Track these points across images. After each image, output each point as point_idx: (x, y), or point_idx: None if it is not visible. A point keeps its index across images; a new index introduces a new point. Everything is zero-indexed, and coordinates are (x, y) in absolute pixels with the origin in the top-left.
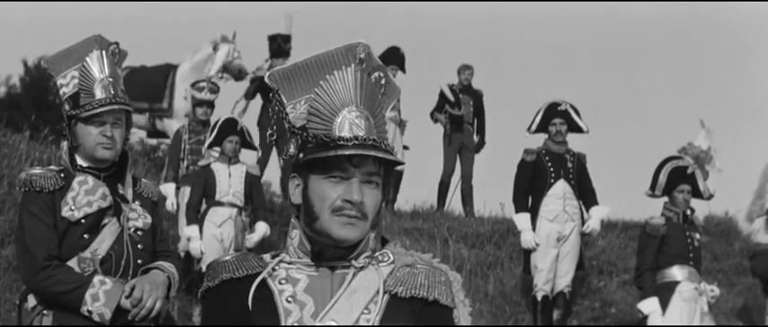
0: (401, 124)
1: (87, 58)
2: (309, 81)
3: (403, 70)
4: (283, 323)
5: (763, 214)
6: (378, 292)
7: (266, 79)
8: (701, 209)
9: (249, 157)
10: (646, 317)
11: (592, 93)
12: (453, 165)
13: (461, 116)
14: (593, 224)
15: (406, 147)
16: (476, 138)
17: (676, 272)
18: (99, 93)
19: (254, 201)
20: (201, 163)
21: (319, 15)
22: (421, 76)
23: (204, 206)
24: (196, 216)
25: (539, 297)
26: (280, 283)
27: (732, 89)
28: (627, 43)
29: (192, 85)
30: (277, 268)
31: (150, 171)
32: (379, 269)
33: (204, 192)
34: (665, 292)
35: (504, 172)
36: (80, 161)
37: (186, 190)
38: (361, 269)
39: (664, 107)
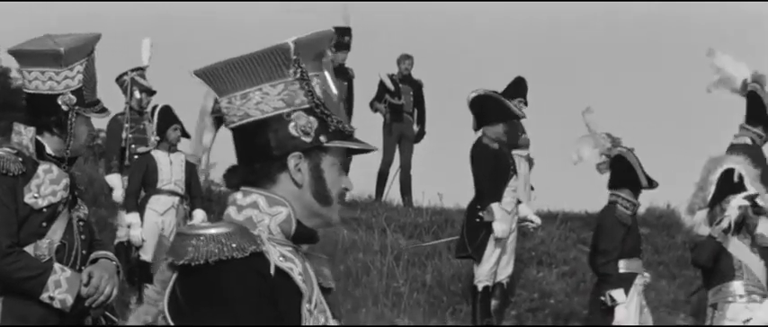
0: None
1: (91, 56)
2: (244, 78)
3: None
4: (305, 303)
5: (705, 206)
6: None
7: (192, 74)
8: (643, 202)
9: (185, 146)
10: (613, 304)
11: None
12: (392, 155)
13: (401, 106)
14: (536, 218)
15: None
16: (415, 128)
17: (634, 264)
18: (96, 94)
19: (192, 189)
20: (141, 150)
21: None
22: (361, 66)
23: (143, 194)
24: (136, 204)
25: (480, 288)
26: (284, 260)
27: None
28: (564, 35)
29: (134, 71)
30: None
31: (88, 159)
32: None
33: (144, 180)
34: (625, 283)
35: (444, 163)
36: (49, 150)
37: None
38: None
39: (606, 99)
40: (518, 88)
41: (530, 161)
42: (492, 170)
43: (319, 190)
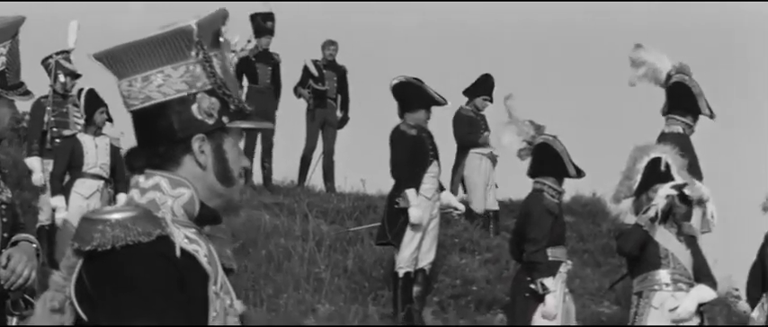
0: None
1: (15, 39)
2: (145, 60)
3: (492, 100)
4: (211, 285)
5: (631, 195)
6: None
7: (92, 57)
8: (568, 190)
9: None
10: (545, 292)
11: (461, 71)
12: (315, 141)
13: (325, 91)
14: (459, 205)
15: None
16: (339, 114)
17: (559, 252)
18: (19, 77)
19: (117, 173)
20: (66, 133)
21: None
22: (285, 51)
23: (68, 177)
24: (61, 187)
25: (401, 274)
26: (189, 242)
27: None
28: (481, 20)
29: (59, 54)
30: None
31: (13, 142)
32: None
33: (70, 163)
34: (551, 271)
35: (367, 149)
36: None
37: (52, 162)
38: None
39: (530, 87)
40: (484, 85)
41: (493, 158)
42: (409, 156)
43: (222, 170)
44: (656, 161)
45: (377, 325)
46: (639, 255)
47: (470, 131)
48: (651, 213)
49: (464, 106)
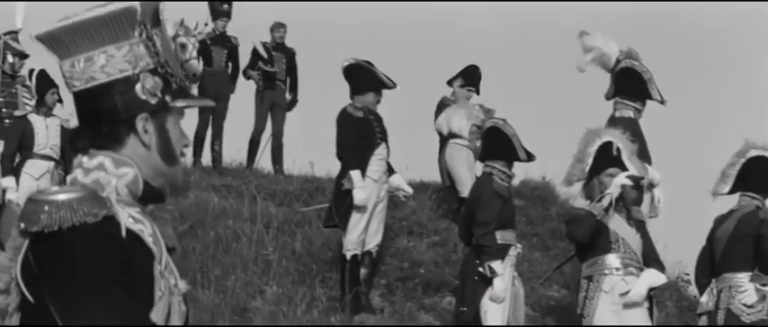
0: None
1: None
2: (87, 41)
3: (478, 91)
4: (156, 264)
5: (583, 178)
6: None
7: (34, 38)
8: (517, 174)
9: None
10: (493, 275)
11: (405, 53)
12: (264, 123)
13: (274, 73)
14: (408, 188)
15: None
16: (288, 96)
17: (508, 235)
18: None
19: (67, 154)
20: (17, 113)
21: None
22: (234, 33)
23: (18, 157)
24: (12, 168)
25: (348, 256)
26: (134, 222)
27: None
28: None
29: (7, 34)
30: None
31: None
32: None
33: (20, 144)
34: (500, 254)
35: (316, 131)
36: None
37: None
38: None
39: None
40: (470, 77)
41: (474, 150)
42: (355, 138)
43: (166, 149)
44: (608, 145)
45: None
46: (590, 239)
47: None
48: (605, 203)
49: (448, 96)
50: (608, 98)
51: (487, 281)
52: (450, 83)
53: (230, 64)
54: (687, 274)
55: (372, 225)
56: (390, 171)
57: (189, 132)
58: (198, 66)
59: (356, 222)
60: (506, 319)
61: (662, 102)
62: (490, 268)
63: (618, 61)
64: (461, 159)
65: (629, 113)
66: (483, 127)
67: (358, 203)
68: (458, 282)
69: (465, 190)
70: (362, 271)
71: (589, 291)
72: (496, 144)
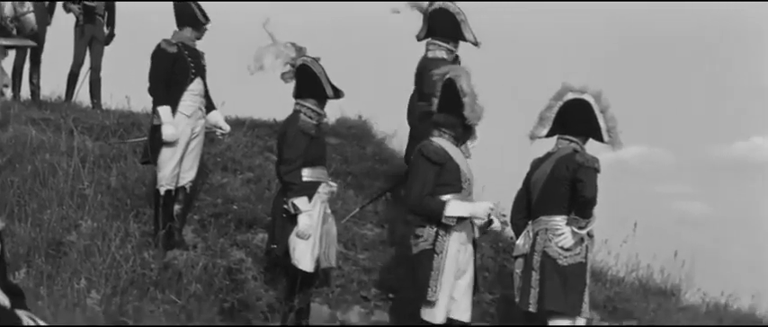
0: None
1: None
2: None
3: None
4: None
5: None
6: None
7: None
8: (332, 113)
9: None
10: (297, 212)
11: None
12: (83, 56)
13: (94, 8)
14: (225, 125)
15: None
16: (106, 31)
17: (318, 172)
18: None
19: None
20: None
21: None
22: None
23: None
24: None
25: (162, 192)
26: None
27: None
28: None
29: None
30: None
31: None
32: None
33: None
34: (309, 191)
35: (132, 66)
36: None
37: None
38: None
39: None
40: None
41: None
42: (165, 73)
43: None
44: (451, 82)
45: None
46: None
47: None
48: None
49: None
50: (419, 39)
51: (296, 219)
52: None
53: None
54: (504, 215)
55: (186, 161)
56: (210, 107)
57: (7, 68)
58: (33, 20)
59: (168, 157)
60: (315, 256)
61: (475, 44)
62: (294, 204)
63: (431, 2)
64: None
65: (442, 54)
66: (295, 65)
67: (166, 138)
68: (270, 219)
69: None
70: (176, 207)
71: (440, 227)
72: (306, 82)
